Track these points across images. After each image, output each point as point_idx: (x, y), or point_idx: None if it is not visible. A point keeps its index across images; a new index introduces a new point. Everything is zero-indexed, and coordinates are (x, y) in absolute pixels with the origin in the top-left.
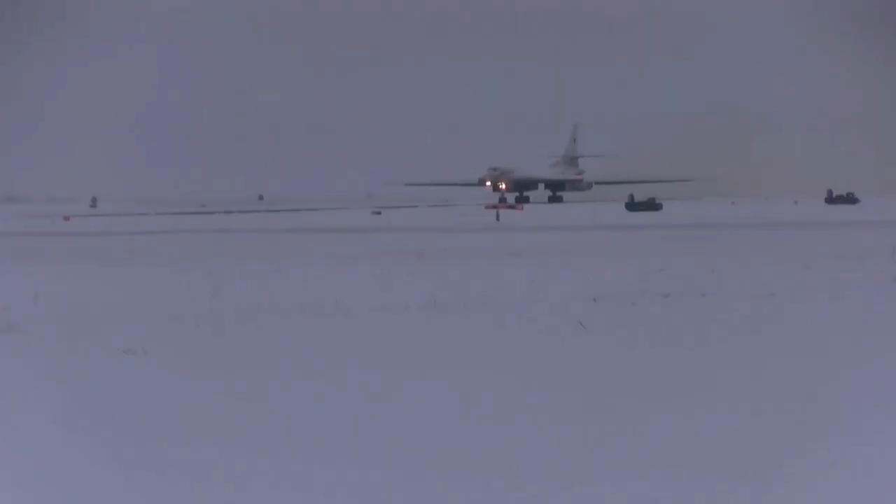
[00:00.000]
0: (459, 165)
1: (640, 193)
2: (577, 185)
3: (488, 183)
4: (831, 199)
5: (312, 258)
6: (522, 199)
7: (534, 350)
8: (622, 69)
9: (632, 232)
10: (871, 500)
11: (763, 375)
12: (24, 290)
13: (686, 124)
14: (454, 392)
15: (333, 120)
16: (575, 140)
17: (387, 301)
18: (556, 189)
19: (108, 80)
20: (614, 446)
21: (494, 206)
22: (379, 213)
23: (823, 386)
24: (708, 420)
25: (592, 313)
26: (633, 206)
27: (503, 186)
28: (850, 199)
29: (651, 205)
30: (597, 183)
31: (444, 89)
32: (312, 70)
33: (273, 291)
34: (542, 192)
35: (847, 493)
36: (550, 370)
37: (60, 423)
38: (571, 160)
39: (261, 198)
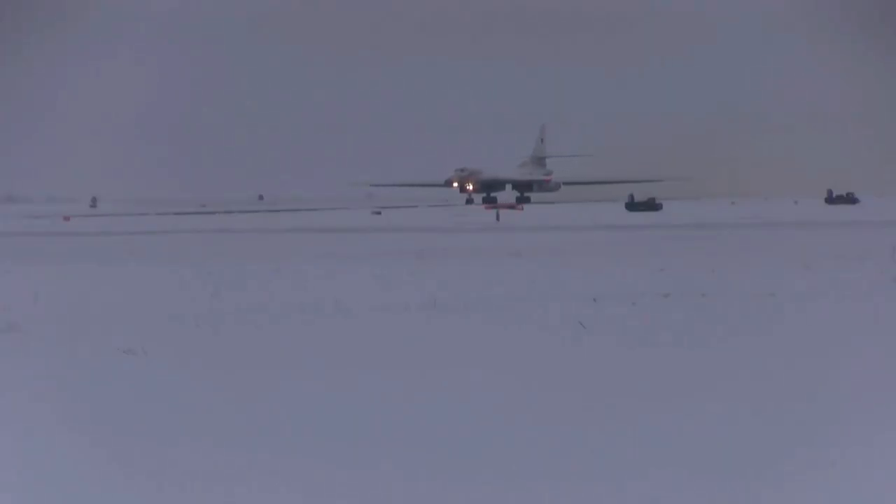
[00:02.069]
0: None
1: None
2: (544, 186)
3: (455, 184)
4: (831, 199)
5: (312, 258)
6: (490, 200)
7: (534, 350)
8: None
9: (632, 232)
10: (871, 500)
11: (763, 375)
12: (24, 290)
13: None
14: (454, 392)
15: (332, 119)
16: (542, 140)
17: (387, 301)
18: (524, 190)
19: (107, 80)
20: (614, 446)
21: (494, 206)
22: (379, 213)
23: (823, 386)
24: (708, 420)
25: (592, 313)
26: (632, 206)
27: (470, 187)
28: (850, 199)
29: (651, 205)
30: (565, 184)
31: (439, 89)
32: (312, 70)
33: (273, 291)
34: (509, 194)
35: (847, 494)
36: (550, 370)
37: (60, 423)
38: (539, 161)
39: (261, 198)
